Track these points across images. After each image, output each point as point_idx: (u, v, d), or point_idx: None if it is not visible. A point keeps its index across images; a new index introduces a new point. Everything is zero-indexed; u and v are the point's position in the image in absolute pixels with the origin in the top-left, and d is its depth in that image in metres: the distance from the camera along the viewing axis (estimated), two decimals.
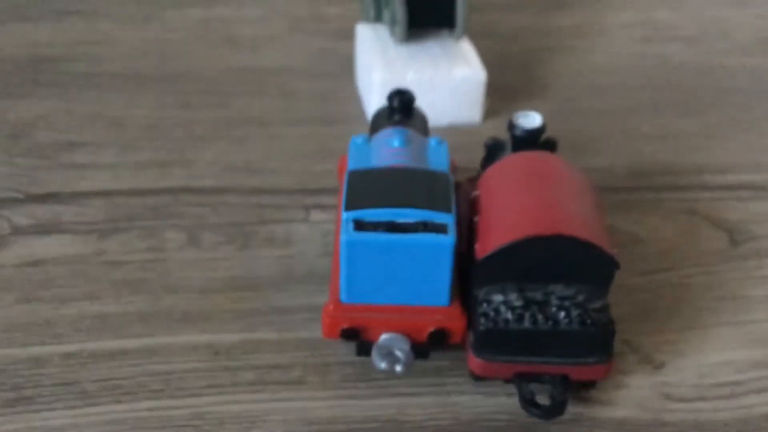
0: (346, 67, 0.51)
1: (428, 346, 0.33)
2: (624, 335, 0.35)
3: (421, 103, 0.46)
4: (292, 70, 0.51)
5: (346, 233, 0.31)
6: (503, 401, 0.33)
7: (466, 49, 0.48)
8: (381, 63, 0.46)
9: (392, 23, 0.47)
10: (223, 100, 0.48)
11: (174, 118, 0.46)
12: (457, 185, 0.38)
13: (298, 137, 0.46)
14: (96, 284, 0.37)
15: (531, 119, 0.36)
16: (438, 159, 0.35)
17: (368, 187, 0.32)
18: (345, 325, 0.32)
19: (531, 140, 0.36)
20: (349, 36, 0.51)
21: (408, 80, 0.45)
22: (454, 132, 0.46)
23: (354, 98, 0.49)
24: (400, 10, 0.46)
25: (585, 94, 0.50)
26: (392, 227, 0.31)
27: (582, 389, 0.33)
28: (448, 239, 0.31)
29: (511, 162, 0.34)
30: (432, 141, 0.36)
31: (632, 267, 0.39)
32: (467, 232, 0.34)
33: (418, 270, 0.31)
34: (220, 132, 0.46)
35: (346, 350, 0.34)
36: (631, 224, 0.41)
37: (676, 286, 0.38)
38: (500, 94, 0.49)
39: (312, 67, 0.51)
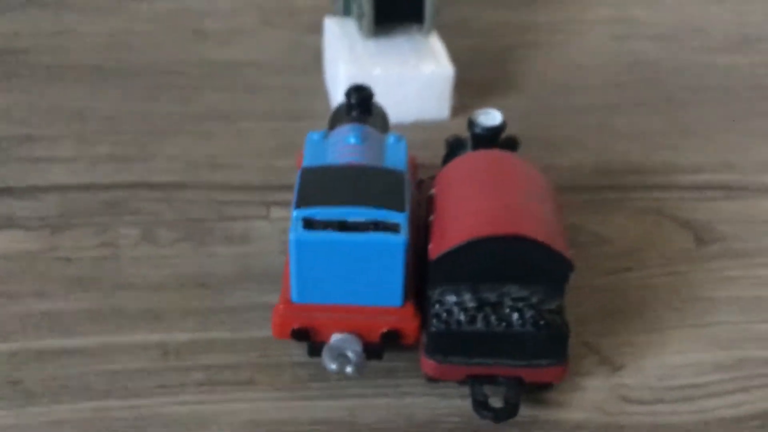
0: (315, 60, 0.50)
1: (381, 347, 0.32)
2: (584, 337, 0.35)
3: (389, 98, 0.45)
4: (261, 64, 0.50)
5: (295, 232, 0.30)
6: (457, 403, 0.32)
7: (435, 45, 0.47)
8: (347, 58, 0.45)
9: (360, 18, 0.46)
10: (189, 94, 0.47)
11: (137, 112, 0.46)
12: (420, 183, 0.37)
13: (263, 132, 0.45)
14: (46, 281, 0.36)
15: (491, 117, 0.35)
16: (395, 156, 0.34)
17: (320, 185, 0.31)
18: (295, 326, 0.32)
19: (491, 138, 0.35)
20: (319, 29, 0.50)
21: (375, 75, 0.45)
22: (422, 128, 0.45)
23: (322, 93, 0.48)
24: (366, 5, 0.45)
25: (558, 92, 0.49)
26: (343, 226, 0.30)
27: (538, 391, 0.33)
28: (400, 239, 0.30)
29: (467, 160, 0.33)
30: (390, 138, 0.35)
31: (596, 267, 0.38)
32: (424, 232, 0.33)
33: (369, 270, 0.31)
34: (184, 126, 0.45)
35: (298, 351, 0.33)
36: (597, 224, 0.40)
37: (640, 287, 0.37)
38: (472, 90, 0.48)
39: (281, 60, 0.51)
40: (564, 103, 0.48)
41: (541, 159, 0.44)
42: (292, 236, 0.30)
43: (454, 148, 0.37)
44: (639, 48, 0.53)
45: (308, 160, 0.34)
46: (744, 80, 0.50)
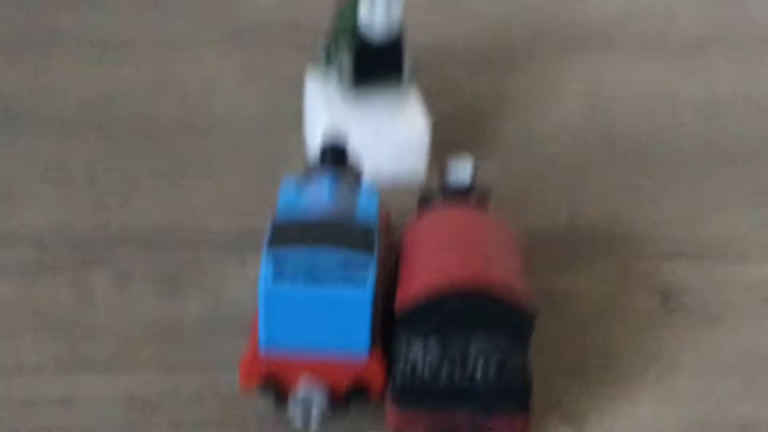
0: (296, 116, 0.51)
1: (348, 397, 0.33)
2: (549, 392, 0.35)
3: (365, 155, 0.46)
4: (243, 119, 0.51)
5: (264, 282, 0.31)
6: None
7: (413, 104, 0.48)
8: (327, 115, 0.46)
9: (340, 77, 0.48)
10: (169, 148, 0.48)
11: (116, 164, 0.47)
12: (391, 244, 0.38)
13: (242, 186, 0.46)
14: (15, 329, 0.36)
15: (462, 171, 0.36)
16: (368, 209, 0.35)
17: (291, 237, 0.32)
18: (262, 376, 0.32)
19: (462, 192, 0.36)
20: (301, 87, 0.51)
21: (353, 133, 0.46)
22: (397, 185, 0.47)
23: (302, 149, 0.49)
24: (346, 65, 0.47)
25: (530, 156, 0.50)
26: (312, 276, 0.31)
27: None
28: (367, 293, 0.31)
29: (435, 215, 0.34)
30: (363, 190, 0.36)
31: (564, 324, 0.39)
32: (394, 284, 0.34)
33: (337, 321, 0.31)
34: (163, 179, 0.46)
35: (265, 402, 0.34)
36: (567, 282, 0.41)
37: (606, 346, 0.38)
38: (447, 149, 0.49)
39: (263, 115, 0.52)
40: (536, 167, 0.49)
41: (512, 220, 0.45)
42: (261, 286, 0.31)
43: (426, 201, 0.38)
44: (610, 117, 0.54)
45: (282, 208, 0.35)
46: (710, 149, 0.52)
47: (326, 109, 0.47)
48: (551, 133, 0.52)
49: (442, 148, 0.48)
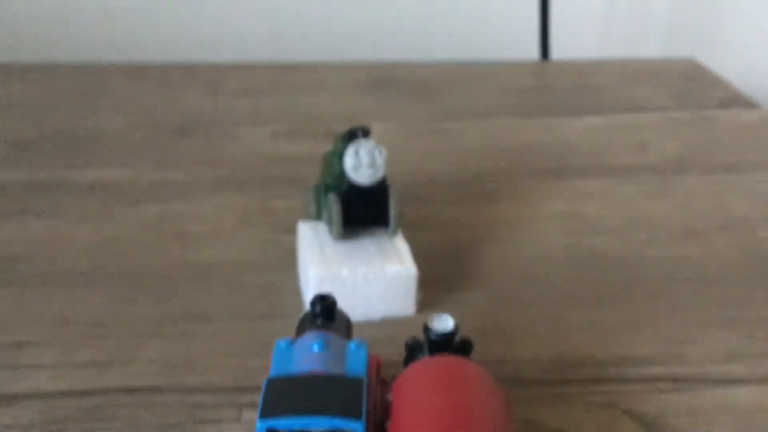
0: (290, 259, 0.54)
1: None
2: None
3: (356, 297, 0.49)
4: (238, 264, 0.54)
5: None
6: None
7: (400, 245, 0.51)
8: (317, 260, 0.49)
9: (329, 222, 0.50)
10: (169, 296, 0.51)
11: (119, 316, 0.49)
12: (384, 383, 0.39)
13: (238, 332, 0.48)
14: None
15: (443, 323, 0.38)
16: (355, 363, 0.37)
17: (283, 395, 0.34)
18: None
19: (445, 342, 0.38)
20: (294, 229, 0.54)
21: (342, 276, 0.48)
22: (388, 324, 0.49)
23: (296, 292, 0.51)
24: (335, 211, 0.49)
25: (515, 285, 0.52)
26: None
27: None
28: None
29: (420, 368, 0.36)
30: (351, 345, 0.38)
31: None
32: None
33: None
34: (162, 328, 0.48)
35: None
36: (554, 418, 0.42)
37: None
38: (435, 285, 0.51)
39: (258, 260, 0.54)
40: (521, 295, 0.52)
41: (499, 352, 0.47)
42: None
43: (413, 350, 0.39)
44: (590, 242, 0.57)
45: (275, 367, 0.37)
46: (689, 271, 0.54)
47: (317, 257, 0.49)
48: (534, 261, 0.55)
49: (428, 282, 0.50)
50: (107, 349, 0.46)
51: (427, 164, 0.67)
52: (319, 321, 0.39)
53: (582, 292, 0.52)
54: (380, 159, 0.49)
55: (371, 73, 0.84)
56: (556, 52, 0.91)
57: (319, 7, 0.91)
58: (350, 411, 0.33)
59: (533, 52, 0.91)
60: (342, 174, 0.50)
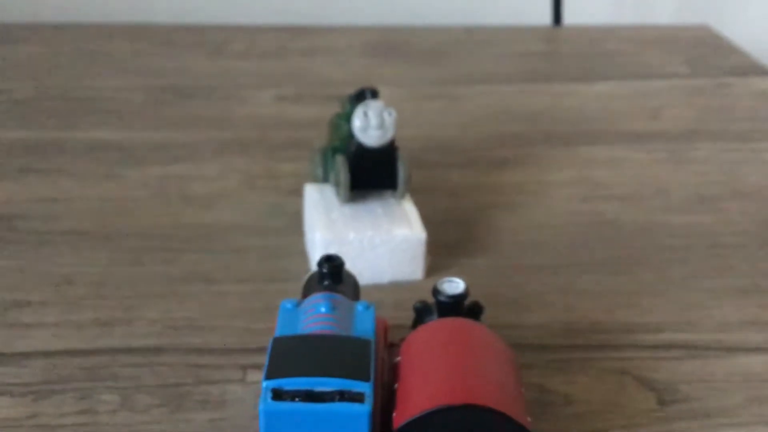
0: (296, 223, 0.53)
1: None
2: None
3: (364, 261, 0.48)
4: (243, 227, 0.53)
5: (264, 403, 0.32)
6: None
7: (408, 209, 0.50)
8: (323, 223, 0.48)
9: (336, 185, 0.50)
10: (172, 257, 0.50)
11: (122, 276, 0.48)
12: (391, 346, 0.39)
13: (242, 295, 0.47)
14: None
15: (454, 285, 0.38)
16: (364, 324, 0.37)
17: (289, 355, 0.33)
18: None
19: (455, 305, 0.37)
20: (300, 192, 0.53)
21: (349, 240, 0.47)
22: (396, 289, 0.48)
23: (302, 255, 0.50)
24: (343, 173, 0.48)
25: (524, 251, 0.52)
26: (310, 396, 0.32)
27: None
28: (364, 408, 0.32)
29: (429, 330, 0.35)
30: (359, 306, 0.38)
31: (562, 428, 0.39)
32: (390, 399, 0.35)
33: None
34: (165, 289, 0.47)
35: None
36: (563, 384, 0.42)
37: None
38: (443, 250, 0.51)
39: (263, 223, 0.54)
40: (530, 262, 0.51)
41: (508, 318, 0.46)
42: (261, 407, 0.32)
43: (422, 313, 0.39)
44: (600, 209, 0.56)
45: (281, 329, 0.37)
46: (702, 239, 0.53)
47: (324, 220, 0.48)
48: (544, 228, 0.54)
49: (436, 247, 0.50)
50: (109, 309, 0.45)
51: (435, 130, 0.66)
52: (326, 282, 0.39)
53: (592, 258, 0.51)
54: (389, 120, 0.48)
55: (379, 37, 0.83)
56: (569, 17, 0.90)
57: None
58: (358, 372, 0.32)
59: (545, 17, 0.89)
60: (350, 136, 0.49)
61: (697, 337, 0.45)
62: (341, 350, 0.34)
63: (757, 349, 0.44)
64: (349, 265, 0.41)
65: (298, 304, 0.38)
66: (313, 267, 0.44)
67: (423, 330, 0.36)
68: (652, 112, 0.69)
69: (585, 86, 0.74)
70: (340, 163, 0.49)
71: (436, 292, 0.38)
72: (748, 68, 0.79)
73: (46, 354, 0.42)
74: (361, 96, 0.50)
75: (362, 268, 0.46)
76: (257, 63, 0.77)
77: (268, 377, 0.32)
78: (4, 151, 0.60)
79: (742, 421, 0.40)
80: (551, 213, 0.56)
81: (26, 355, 0.42)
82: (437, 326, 0.35)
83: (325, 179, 0.52)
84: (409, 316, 0.40)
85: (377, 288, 0.47)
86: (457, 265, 0.50)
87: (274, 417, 0.32)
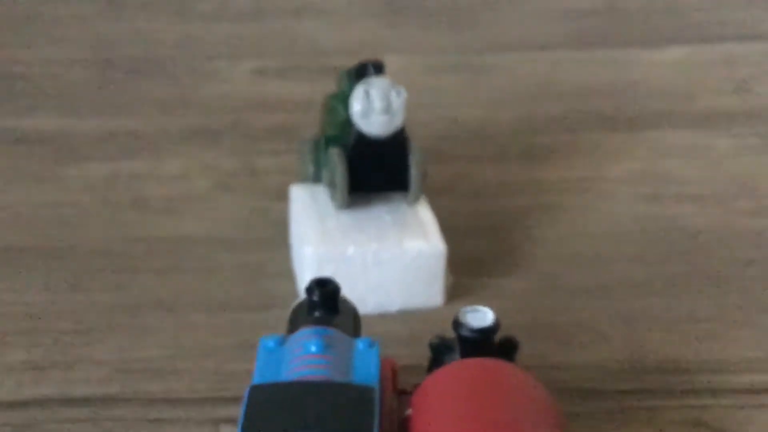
0: (280, 233, 0.54)
1: None
2: None
3: (366, 284, 0.49)
4: (214, 240, 0.54)
5: None
6: None
7: (423, 215, 0.50)
8: (315, 235, 0.49)
9: (331, 186, 0.50)
10: (125, 280, 0.51)
11: (60, 306, 0.49)
12: (402, 393, 0.40)
13: (214, 327, 0.48)
14: None
15: (481, 316, 0.38)
16: (365, 367, 0.37)
17: (271, 408, 0.34)
18: None
19: (482, 342, 0.38)
20: (285, 195, 0.54)
21: (348, 255, 0.48)
22: (408, 319, 0.49)
23: (288, 276, 0.51)
24: (339, 171, 0.49)
25: (571, 268, 0.52)
26: None
27: None
28: None
29: (450, 374, 0.36)
30: (360, 343, 0.38)
31: None
32: None
33: None
34: (116, 322, 0.48)
35: None
36: None
37: None
38: (468, 267, 0.51)
39: (239, 235, 0.54)
40: (579, 282, 0.51)
41: (552, 355, 0.47)
42: None
43: (440, 352, 0.40)
44: (673, 212, 0.57)
45: (260, 373, 0.37)
46: None
47: (316, 230, 0.49)
48: (597, 237, 0.54)
49: (459, 263, 0.50)
50: (45, 349, 0.46)
51: (456, 110, 0.66)
52: (317, 313, 0.39)
53: (660, 277, 0.52)
54: (397, 102, 0.49)
55: None
56: None
57: None
58: (358, 429, 0.33)
59: None
60: (348, 123, 0.49)
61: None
62: (336, 401, 0.34)
63: None
64: (348, 290, 0.42)
65: (282, 342, 0.39)
66: (302, 291, 0.45)
67: (441, 374, 0.36)
68: (739, 84, 0.70)
69: (651, 52, 0.74)
70: (336, 157, 0.49)
71: (458, 324, 0.38)
72: None
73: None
74: (362, 71, 0.50)
75: (364, 292, 0.47)
76: (230, 26, 0.77)
77: None
78: None
79: None
80: (608, 218, 0.56)
81: None
82: (459, 369, 0.36)
83: (317, 178, 0.53)
84: (424, 354, 0.41)
85: (384, 318, 0.48)
86: (486, 287, 0.51)
87: None
